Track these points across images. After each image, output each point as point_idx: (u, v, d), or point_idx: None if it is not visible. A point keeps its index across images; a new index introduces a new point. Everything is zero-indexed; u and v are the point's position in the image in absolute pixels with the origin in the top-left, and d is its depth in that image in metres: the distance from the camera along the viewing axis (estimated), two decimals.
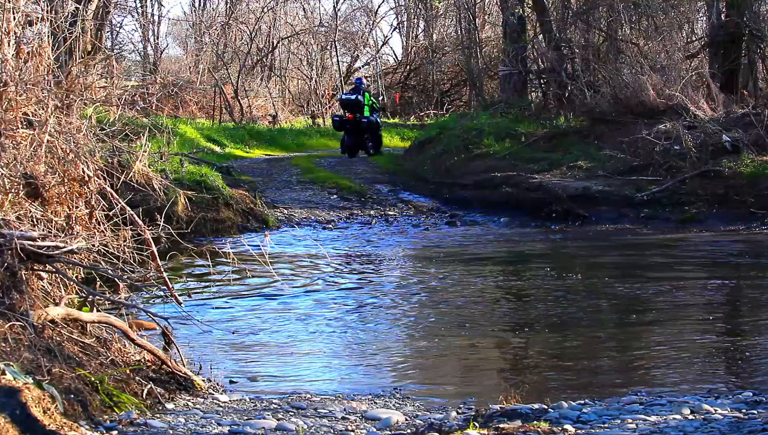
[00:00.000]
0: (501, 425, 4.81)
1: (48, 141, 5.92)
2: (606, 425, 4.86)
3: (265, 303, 8.89)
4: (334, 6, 37.78)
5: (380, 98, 25.14)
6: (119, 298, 5.98)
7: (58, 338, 5.26)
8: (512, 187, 15.84)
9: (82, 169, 5.99)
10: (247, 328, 7.91)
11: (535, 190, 15.42)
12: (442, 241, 13.17)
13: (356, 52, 37.53)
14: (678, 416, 4.96)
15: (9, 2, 6.17)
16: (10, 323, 4.96)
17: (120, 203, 6.12)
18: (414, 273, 10.86)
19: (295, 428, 4.98)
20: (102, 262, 5.83)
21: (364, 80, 23.20)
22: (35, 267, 5.43)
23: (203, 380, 5.85)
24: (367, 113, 21.04)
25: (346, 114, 21.00)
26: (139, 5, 33.39)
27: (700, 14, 23.83)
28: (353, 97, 21.07)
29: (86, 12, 12.82)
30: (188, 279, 9.75)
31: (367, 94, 21.45)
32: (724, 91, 17.85)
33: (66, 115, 6.22)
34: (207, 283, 9.38)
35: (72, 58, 7.57)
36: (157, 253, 6.13)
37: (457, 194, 16.50)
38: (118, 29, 32.88)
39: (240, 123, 27.18)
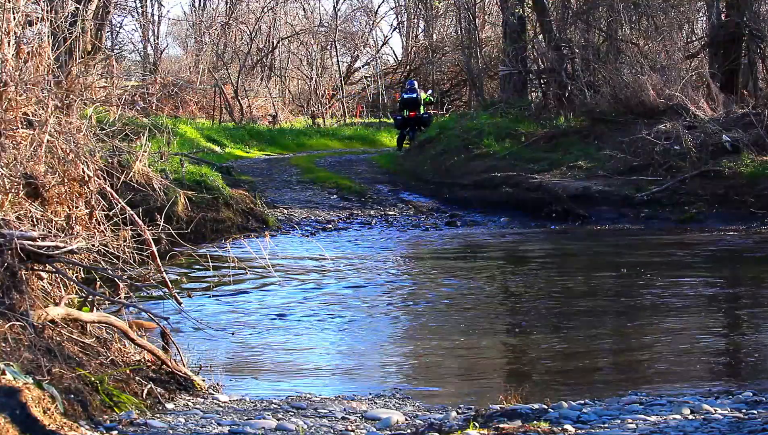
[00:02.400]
0: (501, 425, 4.81)
1: (48, 141, 5.92)
2: (606, 425, 4.86)
3: (265, 303, 8.88)
4: (334, 6, 37.79)
5: (429, 92, 26.01)
6: (119, 298, 5.98)
7: (58, 338, 5.26)
8: (512, 187, 15.84)
9: (82, 169, 5.99)
10: (247, 327, 7.91)
11: (535, 190, 15.42)
12: (441, 241, 13.17)
13: (356, 52, 37.52)
14: (678, 416, 4.96)
15: (9, 2, 6.17)
16: (10, 323, 4.96)
17: (120, 203, 6.12)
18: (414, 273, 10.86)
19: (295, 428, 4.98)
20: (102, 262, 5.83)
21: (416, 82, 24.56)
22: (35, 267, 5.43)
23: (203, 380, 5.85)
24: (422, 110, 22.59)
25: (408, 113, 22.31)
26: (139, 5, 33.41)
27: (700, 14, 23.84)
28: (415, 95, 22.61)
29: (86, 12, 12.82)
30: (188, 279, 9.74)
31: (422, 93, 23.18)
32: (724, 91, 17.84)
33: (66, 115, 6.22)
34: (207, 283, 9.37)
35: (72, 58, 7.57)
36: (157, 253, 6.13)
37: (457, 194, 16.50)
38: (118, 29, 32.90)
39: (240, 123, 27.17)
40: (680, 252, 11.93)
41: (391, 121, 29.83)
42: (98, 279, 6.11)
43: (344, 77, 34.22)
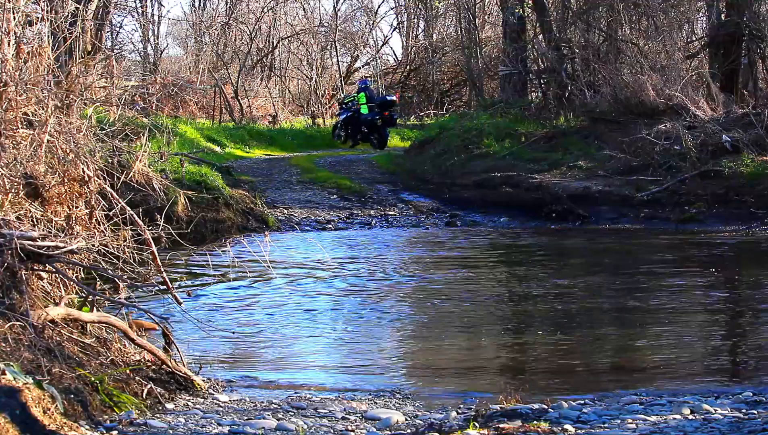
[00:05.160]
0: (501, 425, 4.81)
1: (48, 141, 5.92)
2: (606, 425, 4.86)
3: (265, 303, 8.88)
4: (334, 6, 37.83)
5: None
6: (119, 298, 5.98)
7: (58, 338, 5.26)
8: (512, 187, 15.83)
9: (82, 169, 5.99)
10: (247, 328, 7.91)
11: (535, 190, 15.42)
12: (441, 241, 13.17)
13: (356, 52, 37.51)
14: (678, 416, 4.97)
15: (9, 2, 6.17)
16: (10, 323, 4.96)
17: (120, 203, 6.12)
18: (414, 273, 10.85)
19: (295, 428, 4.98)
20: (102, 262, 5.83)
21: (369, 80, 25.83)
22: (35, 267, 5.43)
23: (203, 380, 5.86)
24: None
25: (383, 112, 22.95)
26: (139, 5, 33.40)
27: (700, 14, 23.84)
28: (394, 97, 24.14)
29: (86, 12, 12.82)
30: (188, 279, 9.74)
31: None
32: (724, 91, 17.85)
33: (66, 115, 6.22)
34: (207, 283, 9.38)
35: (72, 58, 7.59)
36: (157, 253, 6.13)
37: (457, 194, 16.49)
38: (118, 29, 32.86)
39: (240, 123, 27.17)
40: (680, 252, 11.93)
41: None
42: (98, 279, 6.11)
43: (344, 77, 34.20)
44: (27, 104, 6.08)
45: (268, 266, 6.73)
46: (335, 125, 25.09)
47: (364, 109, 22.95)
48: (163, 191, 6.80)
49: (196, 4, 36.55)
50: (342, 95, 28.24)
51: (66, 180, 5.94)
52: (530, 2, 21.52)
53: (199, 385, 5.74)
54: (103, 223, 6.08)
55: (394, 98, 24.11)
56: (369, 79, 29.26)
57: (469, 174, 17.05)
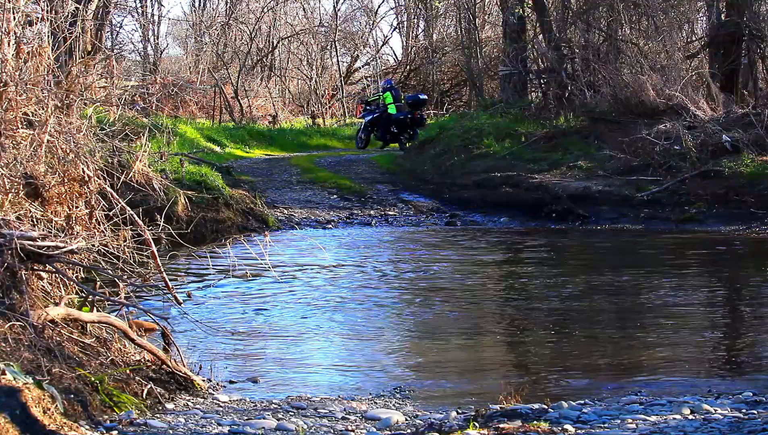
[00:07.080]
0: (501, 425, 4.81)
1: (48, 141, 5.92)
2: (606, 425, 4.86)
3: (265, 303, 8.88)
4: (334, 6, 37.83)
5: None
6: (119, 298, 5.98)
7: (58, 338, 5.26)
8: (512, 187, 15.83)
9: (82, 169, 5.99)
10: (247, 328, 7.91)
11: (535, 190, 15.42)
12: (441, 242, 13.17)
13: (356, 52, 37.51)
14: (678, 416, 4.97)
15: (9, 2, 6.18)
16: (10, 323, 4.96)
17: (120, 203, 6.12)
18: (414, 273, 10.85)
19: (295, 428, 4.98)
20: (102, 262, 5.83)
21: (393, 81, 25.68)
22: (35, 267, 5.43)
23: (203, 380, 5.86)
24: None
25: (414, 111, 22.77)
26: (139, 5, 33.42)
27: (700, 14, 23.83)
28: (425, 97, 23.99)
29: (86, 12, 12.82)
30: (188, 279, 9.74)
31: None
32: (724, 91, 17.84)
33: (66, 115, 6.22)
34: (207, 284, 9.38)
35: (72, 58, 7.59)
36: (157, 253, 6.13)
37: (457, 194, 16.49)
38: (118, 29, 32.86)
39: (240, 123, 27.17)
40: (680, 252, 11.93)
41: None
42: (98, 279, 6.11)
43: (344, 77, 34.20)
44: (27, 104, 6.08)
45: (268, 266, 6.73)
46: (358, 129, 24.68)
47: (392, 109, 22.79)
48: (163, 191, 6.80)
49: (196, 4, 36.61)
50: (366, 96, 28.18)
51: (66, 180, 5.94)
52: (530, 2, 21.51)
53: (199, 385, 5.74)
54: (103, 223, 6.09)
55: (425, 97, 23.95)
56: (391, 79, 29.17)
57: (469, 174, 17.04)
